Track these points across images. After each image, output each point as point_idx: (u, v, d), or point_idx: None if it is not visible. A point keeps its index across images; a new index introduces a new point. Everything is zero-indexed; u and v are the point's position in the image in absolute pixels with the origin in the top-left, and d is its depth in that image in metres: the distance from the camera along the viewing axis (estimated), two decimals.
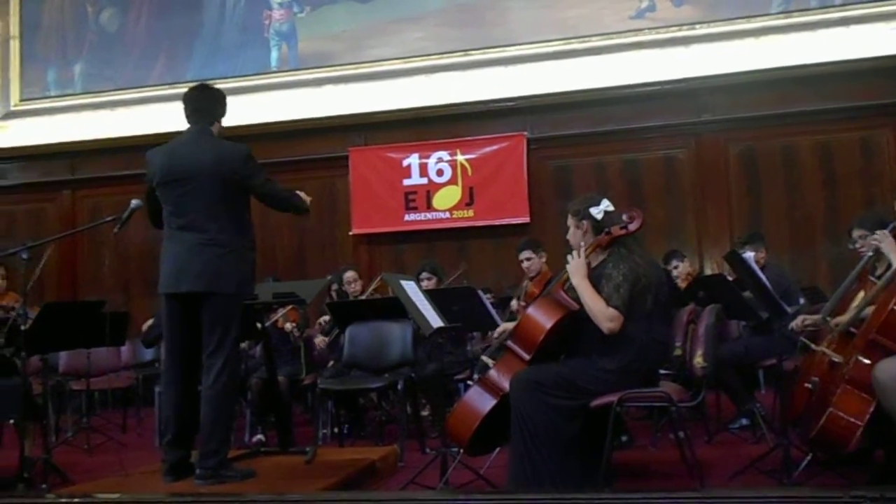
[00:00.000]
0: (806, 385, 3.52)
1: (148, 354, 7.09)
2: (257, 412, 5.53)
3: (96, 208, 8.66)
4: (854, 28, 7.37)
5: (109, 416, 6.74)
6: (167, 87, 8.63)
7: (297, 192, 3.92)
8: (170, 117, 7.34)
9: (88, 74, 9.15)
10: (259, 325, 4.50)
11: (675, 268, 6.12)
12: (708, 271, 7.35)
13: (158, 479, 3.72)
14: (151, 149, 3.86)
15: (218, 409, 3.58)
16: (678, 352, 3.86)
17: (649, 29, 7.79)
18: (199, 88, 3.88)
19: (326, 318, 6.12)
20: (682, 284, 5.89)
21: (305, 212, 3.95)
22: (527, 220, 7.83)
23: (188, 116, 3.81)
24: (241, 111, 8.51)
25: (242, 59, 8.75)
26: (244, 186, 3.70)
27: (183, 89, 4.01)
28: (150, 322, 6.50)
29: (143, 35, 9.06)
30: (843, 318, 3.53)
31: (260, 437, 5.46)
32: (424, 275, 5.93)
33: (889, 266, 3.45)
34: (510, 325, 3.71)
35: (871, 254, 3.72)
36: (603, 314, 3.32)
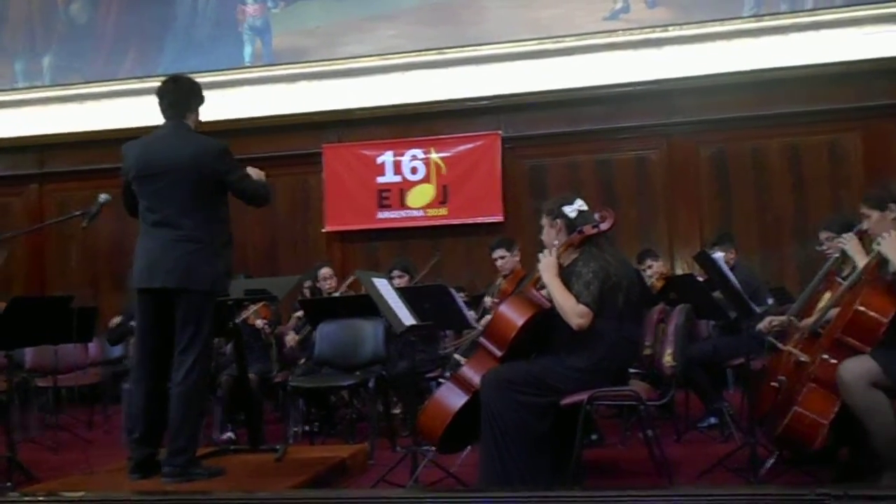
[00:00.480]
0: (773, 384, 3.57)
1: (116, 351, 7.00)
2: (227, 409, 5.48)
3: (64, 203, 8.52)
4: (824, 32, 7.47)
5: (76, 413, 6.65)
6: (137, 80, 8.51)
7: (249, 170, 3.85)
8: (140, 111, 7.28)
9: (57, 67, 8.99)
10: (230, 321, 4.46)
11: (650, 267, 6.17)
12: (679, 271, 7.42)
13: (125, 477, 3.68)
14: (127, 142, 3.80)
15: (187, 407, 3.54)
16: (648, 351, 3.90)
17: (623, 30, 7.83)
18: (172, 81, 3.82)
19: (300, 313, 6.09)
20: (656, 284, 5.94)
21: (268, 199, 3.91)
22: (500, 218, 7.85)
23: (163, 111, 3.75)
24: (213, 106, 8.31)
25: (215, 54, 8.66)
26: (220, 182, 3.66)
27: (154, 83, 3.95)
28: (117, 319, 6.43)
29: (114, 28, 8.93)
30: (810, 319, 3.59)
31: (230, 434, 5.42)
32: (396, 272, 5.92)
33: (854, 268, 3.50)
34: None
35: (837, 255, 3.79)
36: (572, 310, 3.34)
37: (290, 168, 8.35)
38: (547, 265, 3.49)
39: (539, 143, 7.99)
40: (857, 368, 3.13)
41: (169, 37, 8.80)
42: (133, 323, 4.07)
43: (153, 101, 3.80)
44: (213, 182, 3.63)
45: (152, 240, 3.63)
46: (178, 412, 3.53)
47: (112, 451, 5.16)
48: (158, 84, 3.83)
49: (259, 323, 5.78)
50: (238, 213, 4.00)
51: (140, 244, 3.69)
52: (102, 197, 3.98)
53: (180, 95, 3.75)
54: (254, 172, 3.87)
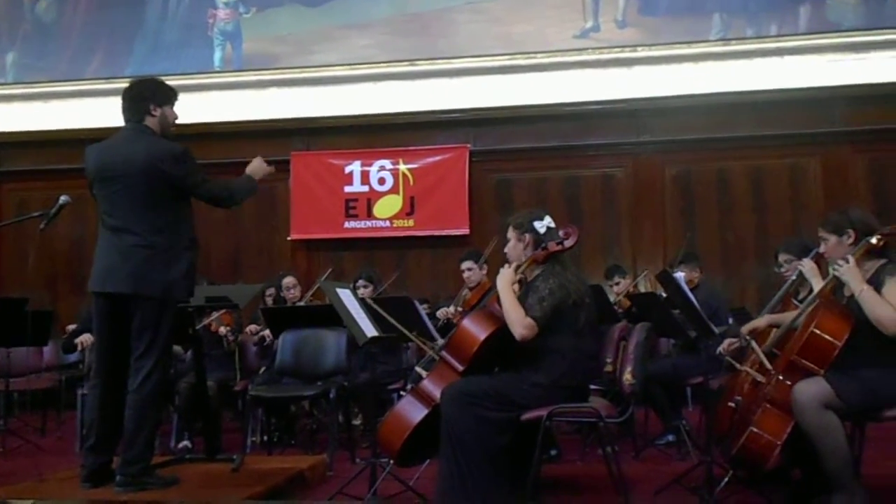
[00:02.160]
0: (729, 404, 3.61)
1: (72, 356, 6.87)
2: (185, 418, 5.40)
3: (23, 202, 8.36)
4: (788, 59, 7.64)
5: (28, 418, 6.50)
6: (104, 81, 8.39)
7: (251, 166, 3.87)
8: (105, 112, 7.15)
9: (21, 65, 8.84)
10: (191, 328, 4.40)
11: (617, 283, 6.22)
12: (642, 289, 7.49)
13: (76, 485, 3.60)
14: (91, 144, 3.77)
15: (142, 414, 3.49)
16: (609, 368, 3.92)
17: (593, 49, 7.93)
18: (132, 84, 3.78)
19: (255, 326, 6.04)
20: (623, 302, 5.97)
21: (253, 191, 3.90)
22: (467, 231, 7.87)
23: (123, 113, 3.72)
24: (181, 110, 8.34)
25: (185, 57, 8.59)
26: (178, 187, 3.62)
27: (121, 85, 3.91)
28: (72, 327, 6.30)
29: (81, 27, 8.81)
30: (767, 341, 3.64)
31: (186, 443, 5.34)
32: (361, 282, 5.92)
33: (811, 291, 3.57)
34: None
35: (794, 278, 3.86)
36: (518, 321, 3.37)
37: None
38: (502, 275, 3.54)
39: (507, 157, 8.04)
40: (811, 390, 3.18)
41: (138, 38, 8.71)
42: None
43: (119, 102, 3.76)
44: (169, 186, 3.58)
45: (109, 244, 3.58)
46: (133, 420, 3.48)
47: (65, 458, 5.07)
48: (126, 86, 3.79)
49: (222, 330, 5.72)
50: (202, 219, 3.97)
51: (98, 247, 3.64)
52: (62, 199, 3.92)
53: (134, 98, 3.70)
54: (257, 163, 3.83)
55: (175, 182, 3.59)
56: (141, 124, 3.68)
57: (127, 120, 3.71)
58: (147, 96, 3.72)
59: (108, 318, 3.61)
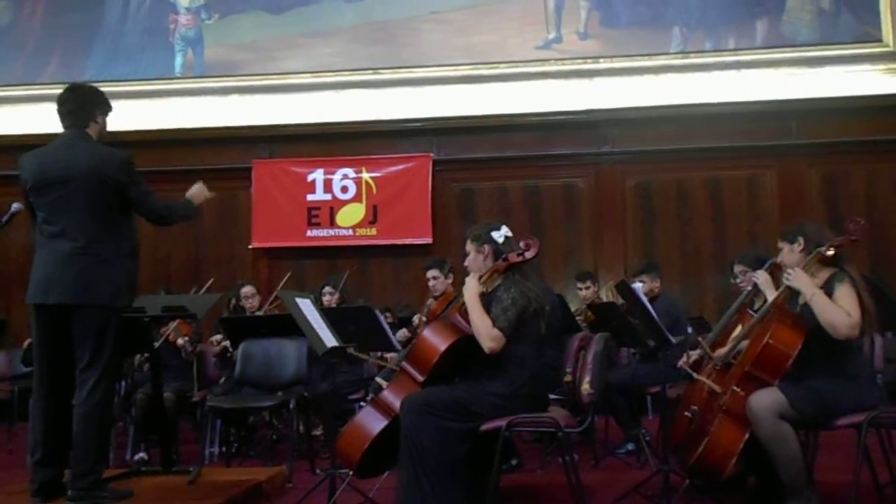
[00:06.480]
0: (686, 414, 3.66)
1: (28, 368, 6.71)
2: (141, 429, 5.31)
3: None
4: (745, 72, 7.79)
5: None
6: (60, 86, 8.14)
7: (193, 189, 3.79)
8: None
9: None
10: (149, 339, 4.33)
11: (588, 288, 6.26)
12: (603, 298, 7.55)
13: (27, 500, 3.51)
14: (26, 152, 3.67)
15: (91, 427, 3.40)
16: (568, 378, 3.94)
17: (555, 60, 8.01)
18: (71, 89, 3.70)
19: (218, 337, 5.96)
20: (589, 316, 5.98)
21: (192, 217, 3.83)
22: (429, 240, 7.87)
23: (62, 120, 3.63)
24: (141, 116, 8.31)
25: (145, 62, 8.48)
26: (122, 195, 3.53)
27: None
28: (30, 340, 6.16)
29: (38, 30, 8.65)
30: (722, 350, 3.70)
31: (142, 455, 5.21)
32: (328, 289, 5.90)
33: (765, 301, 3.63)
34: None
35: (750, 289, 3.93)
36: (487, 333, 3.37)
37: (219, 182, 8.07)
38: (468, 286, 3.53)
39: (470, 166, 8.07)
40: (766, 400, 3.23)
41: (97, 42, 8.58)
42: None
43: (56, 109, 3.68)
44: (112, 193, 3.50)
45: (49, 253, 3.49)
46: (82, 433, 3.39)
47: (15, 471, 4.93)
48: (61, 91, 3.71)
49: (181, 341, 5.63)
50: (160, 228, 3.91)
51: (37, 258, 3.54)
52: (14, 206, 3.82)
53: (80, 104, 3.62)
54: (197, 189, 3.79)
55: (120, 189, 3.51)
56: (82, 131, 3.61)
57: (68, 126, 3.62)
58: (97, 103, 3.66)
59: (49, 329, 3.51)
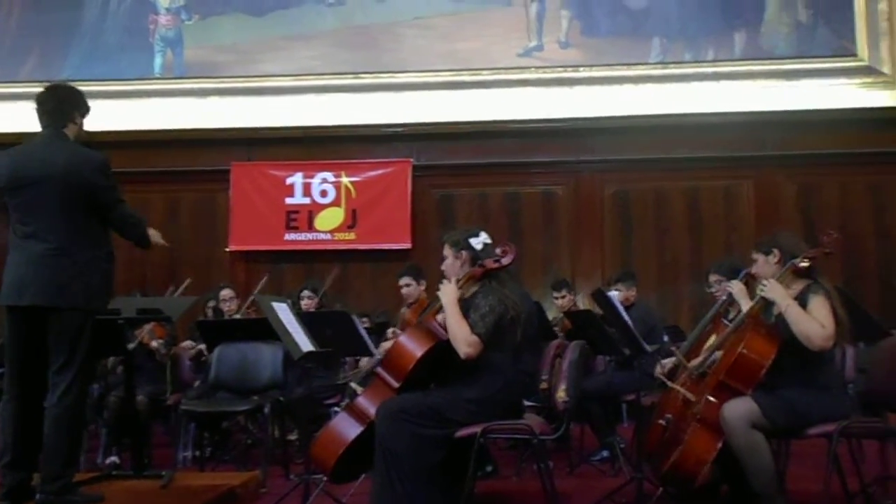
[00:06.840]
0: (660, 422, 3.68)
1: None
2: (113, 432, 5.25)
3: None
4: (724, 83, 7.87)
5: None
6: (38, 84, 8.03)
7: (150, 230, 3.76)
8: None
9: None
10: (122, 341, 4.28)
11: (563, 297, 6.27)
12: (581, 306, 7.58)
13: None
14: (0, 151, 3.63)
15: (62, 430, 3.35)
16: (544, 385, 3.95)
17: (536, 68, 8.05)
18: (50, 89, 3.66)
19: (190, 342, 5.91)
20: (566, 323, 5.99)
21: (146, 246, 3.77)
22: (408, 246, 7.87)
23: (40, 119, 3.58)
24: (120, 116, 8.24)
25: (124, 62, 8.41)
26: (97, 198, 3.48)
27: None
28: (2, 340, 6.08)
29: (15, 28, 8.55)
30: (697, 360, 3.72)
31: (114, 458, 5.18)
32: (306, 293, 5.87)
33: (740, 311, 3.67)
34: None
35: (724, 298, 3.96)
36: (464, 339, 3.36)
37: (197, 184, 8.17)
38: (446, 291, 3.52)
39: (449, 172, 8.08)
40: (739, 409, 3.26)
41: (75, 41, 8.50)
42: None
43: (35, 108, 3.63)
44: (88, 194, 3.45)
45: (22, 254, 3.43)
46: (53, 436, 3.34)
47: None
48: (41, 90, 3.67)
49: (155, 344, 5.58)
50: (125, 240, 3.86)
51: (10, 258, 3.47)
52: None
53: (58, 104, 3.58)
54: (155, 232, 3.75)
55: (96, 192, 3.47)
56: (60, 131, 3.57)
57: (46, 125, 3.57)
58: (75, 103, 3.62)
59: (21, 331, 3.45)
